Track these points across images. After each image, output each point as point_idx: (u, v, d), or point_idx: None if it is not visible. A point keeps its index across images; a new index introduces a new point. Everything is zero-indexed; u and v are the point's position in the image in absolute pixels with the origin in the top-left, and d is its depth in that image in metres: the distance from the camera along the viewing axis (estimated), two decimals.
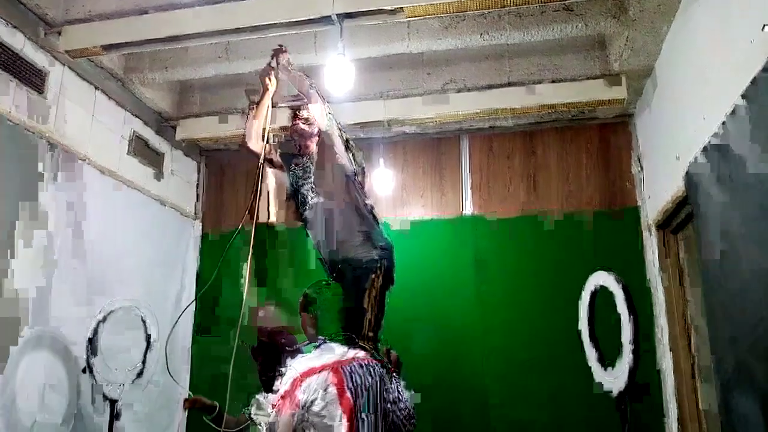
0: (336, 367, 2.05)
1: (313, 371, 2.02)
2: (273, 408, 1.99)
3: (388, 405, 2.14)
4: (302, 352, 2.17)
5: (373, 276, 2.59)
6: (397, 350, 2.65)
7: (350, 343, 2.18)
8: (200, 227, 4.73)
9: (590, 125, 4.28)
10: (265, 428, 2.53)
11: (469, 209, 4.32)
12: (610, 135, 4.23)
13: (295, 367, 2.07)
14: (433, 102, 4.00)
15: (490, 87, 3.93)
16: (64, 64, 3.40)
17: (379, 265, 2.62)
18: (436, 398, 3.88)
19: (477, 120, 4.25)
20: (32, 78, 3.17)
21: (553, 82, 3.83)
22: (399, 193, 4.44)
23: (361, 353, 2.17)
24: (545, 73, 3.85)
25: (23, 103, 3.09)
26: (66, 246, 3.30)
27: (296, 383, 1.99)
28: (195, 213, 4.76)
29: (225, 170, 4.85)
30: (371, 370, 2.12)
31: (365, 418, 2.01)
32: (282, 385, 2.03)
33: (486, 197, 4.32)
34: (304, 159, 2.87)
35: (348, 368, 2.07)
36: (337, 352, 2.12)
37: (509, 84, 3.91)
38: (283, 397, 1.99)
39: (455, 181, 4.41)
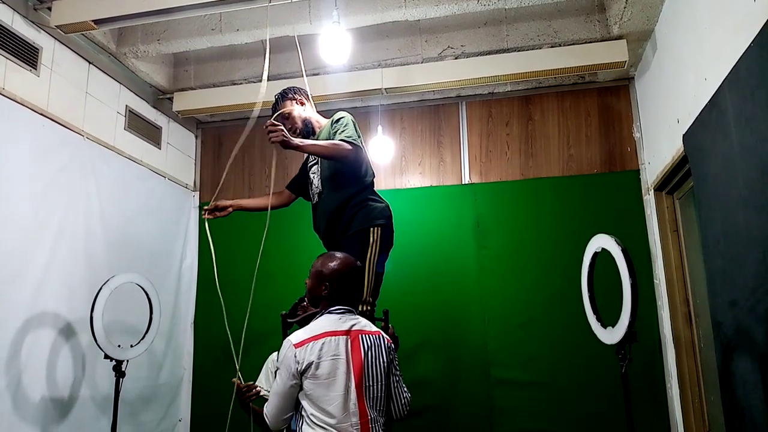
0: (355, 335, 2.09)
1: (331, 334, 2.06)
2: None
3: (395, 382, 2.17)
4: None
5: (371, 240, 2.59)
6: (396, 316, 2.68)
7: (354, 312, 2.21)
8: (198, 198, 4.74)
9: (590, 89, 4.24)
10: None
11: (468, 175, 4.31)
12: (611, 99, 4.19)
13: (315, 326, 2.10)
14: (430, 69, 3.95)
15: (488, 53, 3.88)
16: (56, 39, 3.36)
17: (376, 227, 2.62)
18: (437, 360, 3.97)
19: (475, 87, 4.21)
20: (25, 54, 3.13)
21: (552, 46, 3.78)
22: (398, 162, 4.44)
23: (373, 327, 2.20)
24: (544, 37, 3.80)
25: (17, 78, 3.06)
26: (67, 220, 3.30)
27: (310, 340, 2.04)
28: (193, 184, 4.76)
29: (222, 142, 4.84)
30: (384, 345, 2.16)
31: (372, 385, 2.05)
32: (298, 335, 2.08)
33: (485, 163, 4.31)
34: (313, 138, 2.85)
35: (365, 338, 2.11)
36: (353, 321, 2.15)
37: (508, 50, 3.86)
38: (297, 345, 2.03)
39: (454, 148, 4.39)
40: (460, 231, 4.15)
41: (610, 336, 2.41)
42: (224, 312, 2.80)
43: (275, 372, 2.76)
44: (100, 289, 3.06)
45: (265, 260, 4.22)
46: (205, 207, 2.91)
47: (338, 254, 2.28)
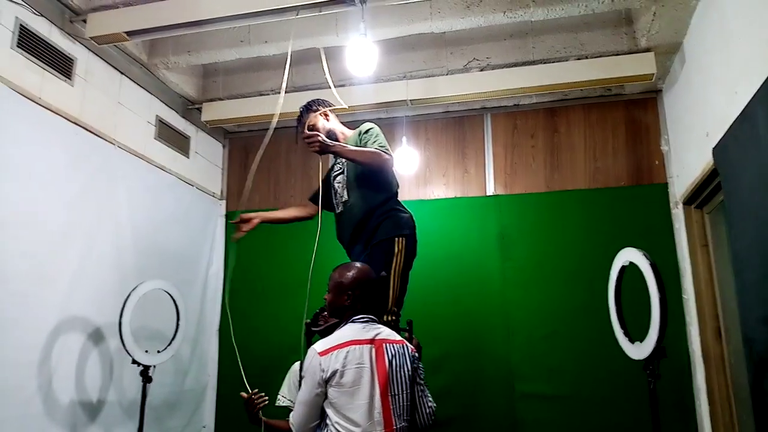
0: (379, 343, 2.10)
1: (355, 343, 2.08)
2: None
3: (419, 391, 2.17)
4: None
5: (396, 250, 2.60)
6: (419, 327, 2.68)
7: (377, 321, 2.22)
8: (225, 206, 4.80)
9: (617, 102, 4.21)
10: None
11: (492, 187, 4.30)
12: (638, 112, 4.16)
13: (339, 335, 2.12)
14: (456, 81, 3.97)
15: (513, 65, 3.89)
16: (90, 51, 3.45)
17: (401, 237, 2.64)
18: (461, 372, 3.95)
19: (500, 98, 4.22)
20: (60, 64, 3.22)
21: (579, 59, 3.77)
22: (422, 173, 4.45)
23: (396, 336, 2.21)
24: (570, 50, 3.79)
25: (52, 88, 3.15)
26: (98, 226, 3.38)
27: (334, 349, 2.05)
28: (221, 193, 4.83)
29: (249, 151, 4.90)
30: (409, 354, 2.16)
31: (396, 394, 2.06)
32: (322, 343, 2.10)
33: (510, 175, 4.30)
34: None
35: (389, 346, 2.11)
36: (377, 330, 2.16)
37: (533, 62, 3.86)
38: (321, 353, 2.05)
39: (479, 159, 4.39)
40: (483, 242, 4.14)
41: (638, 351, 2.37)
42: (230, 322, 2.81)
43: (299, 381, 2.78)
44: (129, 294, 3.12)
45: (288, 271, 4.31)
46: (232, 221, 2.94)
47: (355, 264, 2.31)
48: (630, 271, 2.57)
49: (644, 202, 3.97)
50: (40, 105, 3.06)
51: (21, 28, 2.96)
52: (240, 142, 4.95)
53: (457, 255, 4.14)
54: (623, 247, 2.63)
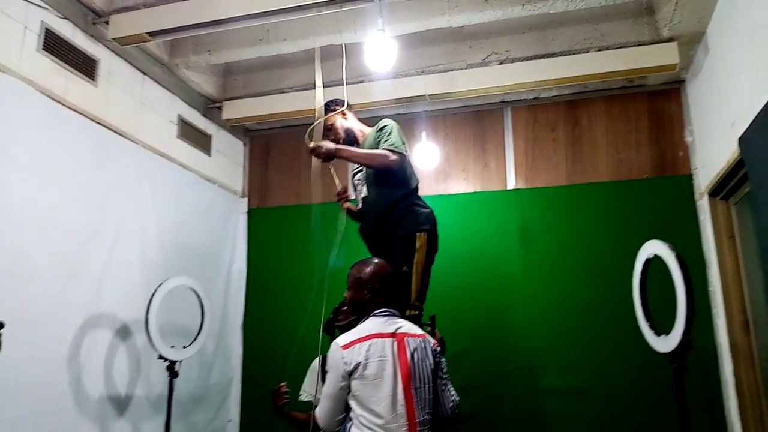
0: (401, 337, 2.12)
1: (377, 336, 2.09)
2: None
3: (441, 385, 2.18)
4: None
5: (418, 245, 2.61)
6: (441, 321, 2.69)
7: (399, 315, 2.23)
8: (246, 204, 4.86)
9: (639, 93, 4.15)
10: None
11: (513, 181, 4.28)
12: (661, 102, 4.10)
13: (361, 329, 2.14)
14: (475, 75, 3.95)
15: (533, 58, 3.86)
16: (113, 52, 3.50)
17: (422, 232, 2.64)
18: (483, 366, 3.95)
19: (520, 92, 4.19)
20: (84, 66, 3.28)
21: (600, 50, 3.72)
22: (442, 167, 4.44)
23: (418, 329, 2.22)
24: (591, 41, 3.75)
25: (77, 89, 3.21)
26: (123, 225, 3.44)
27: (356, 342, 2.07)
28: (242, 191, 4.88)
29: (269, 149, 4.94)
30: (430, 348, 2.17)
31: (419, 387, 2.07)
32: (345, 337, 2.12)
33: (531, 168, 4.27)
34: (356, 147, 2.91)
35: (411, 340, 2.13)
36: (398, 324, 2.17)
37: (553, 54, 3.82)
38: (344, 347, 2.07)
39: (499, 153, 4.37)
40: (504, 236, 4.13)
41: (664, 344, 2.35)
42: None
43: (322, 376, 2.80)
44: (155, 291, 3.17)
45: (309, 266, 4.33)
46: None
47: (372, 259, 2.35)
48: (655, 263, 2.54)
49: (668, 194, 3.92)
50: (65, 106, 3.12)
51: (46, 32, 3.02)
52: (261, 139, 4.99)
53: (477, 249, 4.13)
54: (646, 240, 2.60)
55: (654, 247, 2.51)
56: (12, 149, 2.76)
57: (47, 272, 2.89)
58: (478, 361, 3.96)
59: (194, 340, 3.38)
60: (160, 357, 3.14)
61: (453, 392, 2.23)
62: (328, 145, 2.62)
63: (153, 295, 3.16)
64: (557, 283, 3.97)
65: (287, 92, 4.33)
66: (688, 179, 3.90)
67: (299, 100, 4.19)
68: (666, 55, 3.53)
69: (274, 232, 4.72)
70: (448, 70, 4.02)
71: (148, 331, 3.07)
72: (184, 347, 3.31)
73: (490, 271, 4.09)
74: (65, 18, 3.17)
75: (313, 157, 2.70)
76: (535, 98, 4.33)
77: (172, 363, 3.18)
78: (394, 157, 2.64)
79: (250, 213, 4.84)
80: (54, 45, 3.07)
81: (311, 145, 2.67)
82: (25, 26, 2.91)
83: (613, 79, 3.92)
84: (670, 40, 3.51)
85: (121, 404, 3.34)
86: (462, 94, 4.05)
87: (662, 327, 2.42)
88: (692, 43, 3.50)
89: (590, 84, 4.08)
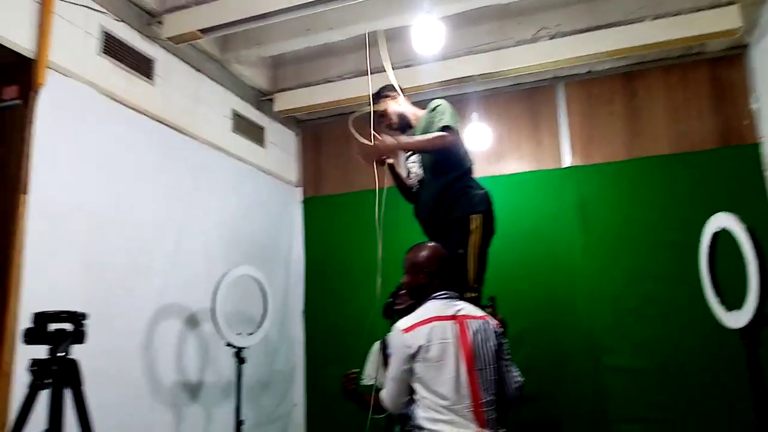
0: (461, 319, 2.13)
1: (438, 319, 2.11)
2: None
3: (505, 366, 2.18)
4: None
5: (473, 227, 2.60)
6: (500, 302, 2.68)
7: (459, 297, 2.24)
8: (301, 193, 4.95)
9: (699, 61, 3.98)
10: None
11: (569, 158, 4.20)
12: (723, 70, 3.92)
13: (422, 312, 2.15)
14: (525, 52, 3.88)
15: (585, 30, 3.74)
16: (168, 51, 3.61)
17: (477, 214, 2.63)
18: (543, 347, 3.92)
19: (572, 67, 4.08)
20: (142, 66, 3.39)
21: (656, 18, 3.58)
22: (494, 148, 4.38)
23: (479, 311, 2.23)
24: (646, 10, 3.60)
25: (136, 89, 3.33)
26: (186, 218, 3.57)
27: (418, 326, 2.09)
28: (297, 180, 4.97)
29: (321, 138, 5.00)
30: (492, 329, 2.18)
31: (482, 369, 2.08)
32: (405, 321, 2.14)
33: (587, 144, 4.17)
34: (410, 131, 2.92)
35: (471, 322, 2.14)
36: (459, 306, 2.18)
37: (606, 25, 3.70)
38: (405, 330, 2.09)
39: (552, 130, 4.29)
40: (561, 215, 4.07)
41: (735, 319, 2.28)
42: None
43: (384, 359, 2.84)
44: (220, 281, 3.29)
45: (365, 252, 4.37)
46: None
47: (426, 243, 2.37)
48: (723, 237, 2.45)
49: (733, 164, 3.76)
50: (126, 106, 3.25)
51: (105, 35, 3.14)
52: (311, 129, 5.05)
53: (534, 229, 4.09)
54: (712, 214, 2.52)
55: (722, 221, 2.42)
56: (81, 150, 2.90)
57: (119, 267, 3.05)
58: (539, 341, 3.93)
59: (259, 327, 3.49)
60: (228, 344, 3.25)
61: (516, 373, 2.23)
62: (386, 141, 2.62)
63: (218, 285, 3.27)
64: (619, 260, 3.89)
65: (335, 81, 4.36)
66: (755, 148, 3.72)
67: (348, 88, 4.22)
68: (727, 19, 3.37)
69: (330, 220, 4.80)
70: (496, 49, 3.96)
71: (215, 319, 3.19)
72: (250, 334, 3.42)
73: (547, 250, 4.05)
74: (122, 21, 3.28)
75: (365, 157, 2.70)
76: (588, 72, 4.22)
77: (239, 350, 3.29)
78: (450, 136, 2.64)
79: (306, 202, 4.93)
80: (113, 47, 3.19)
81: (357, 155, 2.68)
82: (85, 31, 3.03)
83: (670, 48, 3.77)
84: (730, 3, 3.35)
85: (192, 390, 3.49)
86: (512, 72, 3.98)
87: (732, 302, 2.34)
88: (756, 5, 3.32)
89: (646, 54, 3.93)
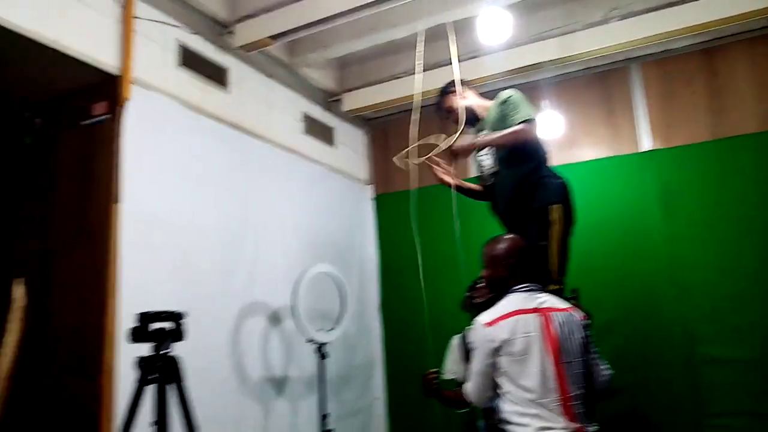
0: (545, 312, 2.10)
1: (520, 312, 2.09)
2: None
3: (592, 358, 2.14)
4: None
5: (554, 217, 2.55)
6: (583, 294, 2.63)
7: (541, 289, 2.21)
8: (372, 190, 5.02)
9: None
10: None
11: (647, 142, 4.04)
12: None
13: (504, 305, 2.14)
14: (594, 35, 3.76)
15: (659, 8, 3.58)
16: (239, 59, 3.74)
17: (556, 204, 2.58)
18: (630, 338, 3.79)
19: (646, 46, 3.91)
20: (217, 76, 3.53)
21: None
22: (567, 135, 4.26)
23: (563, 303, 2.19)
24: None
25: (212, 98, 3.47)
26: (264, 220, 3.70)
27: (500, 319, 2.08)
28: (366, 178, 5.04)
29: (388, 135, 5.04)
30: (578, 322, 2.14)
31: (569, 362, 2.04)
32: (487, 315, 2.13)
33: (667, 127, 3.99)
34: (480, 123, 2.91)
35: (556, 314, 2.11)
36: (542, 298, 2.15)
37: (681, 1, 3.53)
38: (487, 324, 2.08)
39: (628, 114, 4.13)
40: (642, 201, 3.92)
41: None
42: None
43: (465, 354, 2.84)
44: (299, 279, 3.38)
45: (440, 247, 4.38)
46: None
47: (504, 236, 2.35)
48: None
49: None
50: (204, 115, 3.39)
51: (182, 49, 3.29)
52: (379, 127, 5.10)
53: (613, 217, 3.95)
54: None
55: None
56: (164, 159, 3.06)
57: (205, 269, 3.19)
58: (625, 332, 3.80)
59: (338, 323, 3.57)
60: (309, 340, 3.35)
61: (604, 365, 2.18)
62: (462, 143, 2.65)
63: (298, 283, 3.36)
64: (710, 246, 3.70)
65: (401, 77, 4.38)
66: None
67: (413, 84, 4.22)
68: None
69: (400, 216, 4.82)
70: (565, 33, 3.86)
71: (296, 316, 3.29)
72: (330, 330, 3.50)
73: (629, 239, 3.91)
74: (196, 33, 3.42)
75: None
76: (664, 51, 4.03)
77: (321, 345, 3.38)
78: (529, 129, 2.61)
79: (376, 199, 4.98)
80: (189, 60, 3.33)
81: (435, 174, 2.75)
82: (164, 46, 3.19)
83: (754, 20, 3.54)
84: None
85: (278, 385, 3.61)
86: (582, 56, 3.87)
87: None
88: None
89: (727, 28, 3.71)
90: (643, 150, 4.03)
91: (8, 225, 3.18)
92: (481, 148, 2.70)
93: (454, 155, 2.70)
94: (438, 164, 2.83)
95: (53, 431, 2.75)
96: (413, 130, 2.84)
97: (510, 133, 2.62)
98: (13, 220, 3.16)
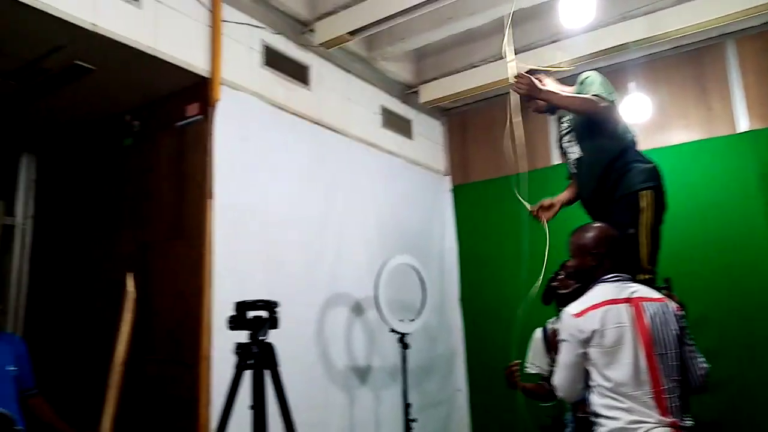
0: (637, 302, 2.03)
1: (611, 302, 2.03)
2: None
3: (688, 351, 2.05)
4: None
5: (644, 204, 2.45)
6: (676, 285, 2.51)
7: (631, 279, 2.13)
8: (450, 181, 5.00)
9: None
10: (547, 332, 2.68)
11: (745, 122, 3.79)
12: None
13: (593, 295, 2.09)
14: (684, 11, 3.56)
15: None
16: (320, 56, 3.83)
17: (647, 190, 2.48)
18: (729, 331, 3.58)
19: (743, 20, 3.66)
20: (299, 74, 3.64)
21: None
22: (657, 118, 4.06)
23: (655, 293, 2.11)
24: None
25: (295, 95, 3.58)
26: (346, 213, 3.78)
27: (590, 309, 2.02)
28: (445, 169, 5.03)
29: (466, 125, 5.01)
30: (672, 312, 2.06)
31: (663, 354, 1.96)
32: (576, 305, 2.08)
33: (765, 106, 3.73)
34: (560, 111, 2.83)
35: (648, 305, 2.03)
36: (633, 288, 2.09)
37: None
38: (576, 315, 2.04)
39: (723, 93, 3.89)
40: (741, 186, 3.68)
41: None
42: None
43: (545, 347, 2.80)
44: (381, 270, 3.44)
45: (519, 238, 4.30)
46: (531, 208, 2.85)
47: (592, 224, 2.27)
48: None
49: None
50: (287, 112, 3.51)
51: (266, 49, 3.41)
52: (456, 117, 5.07)
53: (709, 203, 3.75)
54: None
55: None
56: (252, 155, 3.20)
57: (291, 261, 3.31)
58: (723, 325, 3.58)
59: (419, 313, 3.60)
60: (392, 330, 3.40)
61: (701, 359, 2.08)
62: (534, 81, 2.58)
63: (379, 274, 3.42)
64: None
65: (478, 66, 4.33)
66: None
67: (490, 73, 4.17)
68: None
69: (479, 206, 4.79)
70: (651, 12, 3.68)
71: (379, 306, 3.34)
72: (411, 320, 3.54)
73: (726, 226, 3.69)
74: (279, 33, 3.54)
75: (513, 92, 2.66)
76: (763, 24, 3.76)
77: (403, 335, 3.42)
78: (603, 103, 2.51)
79: (455, 190, 4.96)
80: (273, 59, 3.46)
81: (521, 73, 2.62)
82: (250, 47, 3.32)
83: None
84: None
85: (362, 374, 3.69)
86: (671, 35, 3.68)
87: None
88: None
89: None
90: (741, 131, 3.79)
91: (111, 221, 3.43)
92: (550, 98, 2.60)
93: (518, 85, 2.62)
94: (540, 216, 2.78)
95: (155, 416, 2.94)
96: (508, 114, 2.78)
97: (579, 98, 2.54)
98: (115, 216, 3.41)
